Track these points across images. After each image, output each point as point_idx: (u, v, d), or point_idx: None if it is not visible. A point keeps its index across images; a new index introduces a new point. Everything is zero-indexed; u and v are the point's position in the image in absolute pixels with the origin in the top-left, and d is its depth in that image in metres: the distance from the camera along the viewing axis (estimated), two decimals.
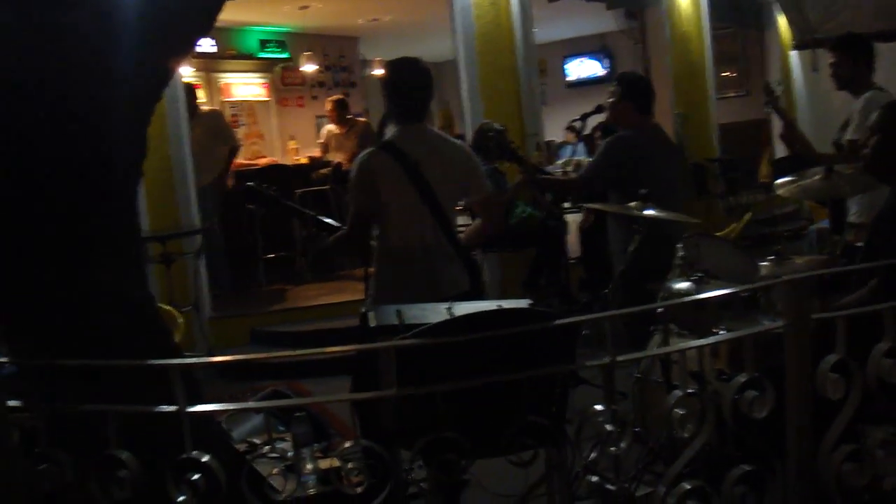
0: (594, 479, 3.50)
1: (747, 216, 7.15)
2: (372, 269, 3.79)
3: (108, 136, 2.32)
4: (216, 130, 7.91)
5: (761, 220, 9.06)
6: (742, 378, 1.95)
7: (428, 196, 3.55)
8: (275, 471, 2.08)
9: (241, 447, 3.24)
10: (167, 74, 2.62)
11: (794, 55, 11.45)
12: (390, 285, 3.61)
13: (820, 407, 2.03)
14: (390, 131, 3.74)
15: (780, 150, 10.12)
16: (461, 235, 3.78)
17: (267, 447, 2.00)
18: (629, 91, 4.87)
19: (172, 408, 1.82)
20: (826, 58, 5.07)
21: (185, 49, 2.77)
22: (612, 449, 1.95)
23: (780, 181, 3.99)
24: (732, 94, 12.84)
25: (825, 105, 9.49)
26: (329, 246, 3.88)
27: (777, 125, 5.62)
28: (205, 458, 1.80)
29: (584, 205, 6.97)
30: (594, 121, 6.27)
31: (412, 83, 3.66)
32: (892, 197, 3.17)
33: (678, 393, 1.95)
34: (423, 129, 3.71)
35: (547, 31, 12.15)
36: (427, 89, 3.70)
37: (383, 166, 3.58)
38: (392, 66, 3.79)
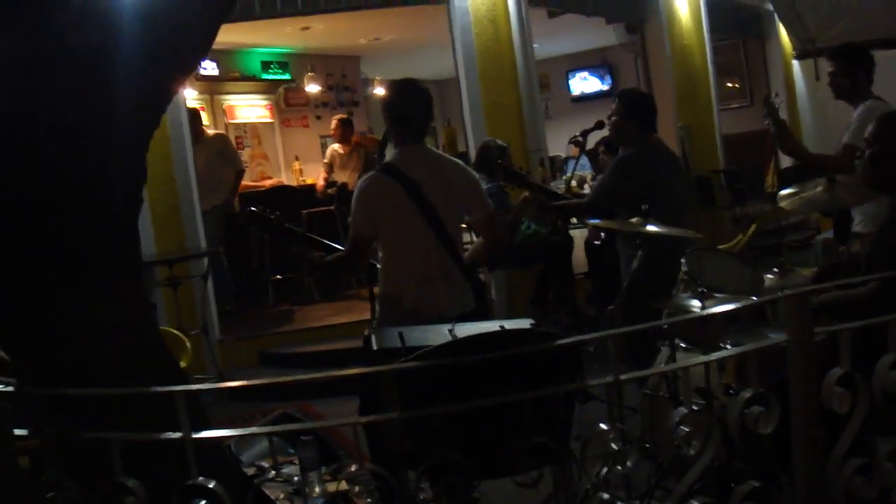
0: (605, 496, 3.49)
1: (753, 227, 7.13)
2: (378, 290, 3.80)
3: (107, 161, 2.32)
4: (222, 154, 7.94)
5: (768, 231, 9.03)
6: (747, 394, 1.94)
7: (430, 217, 3.55)
8: (282, 495, 2.08)
9: (250, 471, 3.24)
10: (165, 98, 2.62)
11: (796, 64, 11.46)
12: (395, 307, 3.61)
13: (830, 419, 2.02)
14: (390, 153, 3.75)
15: (786, 160, 10.11)
16: (465, 255, 3.78)
17: (273, 472, 2.00)
18: (630, 110, 4.86)
19: (177, 434, 1.82)
20: (827, 67, 5.06)
21: (182, 73, 2.77)
22: (619, 468, 1.94)
23: (783, 193, 3.98)
24: (736, 105, 12.84)
25: (828, 114, 9.47)
26: (328, 263, 3.89)
27: None
28: (211, 485, 1.80)
29: (591, 221, 6.97)
30: (598, 135, 6.26)
31: (411, 105, 3.67)
32: (892, 208, 3.16)
33: (682, 410, 1.95)
34: (423, 150, 3.72)
35: (548, 47, 12.18)
36: (426, 111, 3.71)
37: (384, 189, 3.59)
38: (391, 87, 3.81)
